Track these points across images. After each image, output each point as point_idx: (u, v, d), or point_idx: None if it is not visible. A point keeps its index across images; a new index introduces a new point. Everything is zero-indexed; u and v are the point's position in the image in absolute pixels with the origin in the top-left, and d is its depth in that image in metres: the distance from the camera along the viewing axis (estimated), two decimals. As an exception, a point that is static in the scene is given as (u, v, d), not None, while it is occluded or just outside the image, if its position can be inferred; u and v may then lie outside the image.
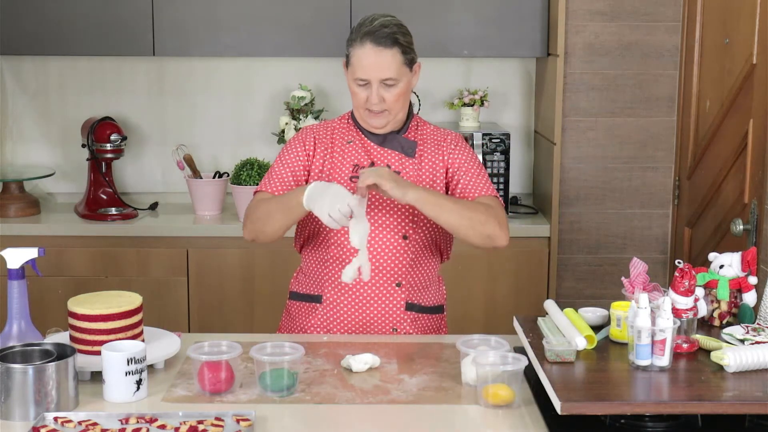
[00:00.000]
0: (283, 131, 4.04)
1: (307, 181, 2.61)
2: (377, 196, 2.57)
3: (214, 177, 4.09)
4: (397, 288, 2.61)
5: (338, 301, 2.61)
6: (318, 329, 2.63)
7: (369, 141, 2.63)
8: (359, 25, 2.57)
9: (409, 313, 2.63)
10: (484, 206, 2.52)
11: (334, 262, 2.60)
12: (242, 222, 2.66)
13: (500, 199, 2.62)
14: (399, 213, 2.58)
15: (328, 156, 2.62)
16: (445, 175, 2.63)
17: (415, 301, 2.64)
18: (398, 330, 2.61)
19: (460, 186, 2.61)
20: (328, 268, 2.62)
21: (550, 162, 3.89)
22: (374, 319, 2.61)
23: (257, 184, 3.86)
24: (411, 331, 2.63)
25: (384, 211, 2.58)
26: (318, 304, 2.64)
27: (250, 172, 3.91)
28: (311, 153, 2.63)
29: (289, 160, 2.63)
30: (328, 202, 2.37)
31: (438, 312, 2.72)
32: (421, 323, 2.66)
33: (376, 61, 2.51)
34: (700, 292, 2.30)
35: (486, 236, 2.49)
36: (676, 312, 2.21)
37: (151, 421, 2.01)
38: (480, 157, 3.86)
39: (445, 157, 2.64)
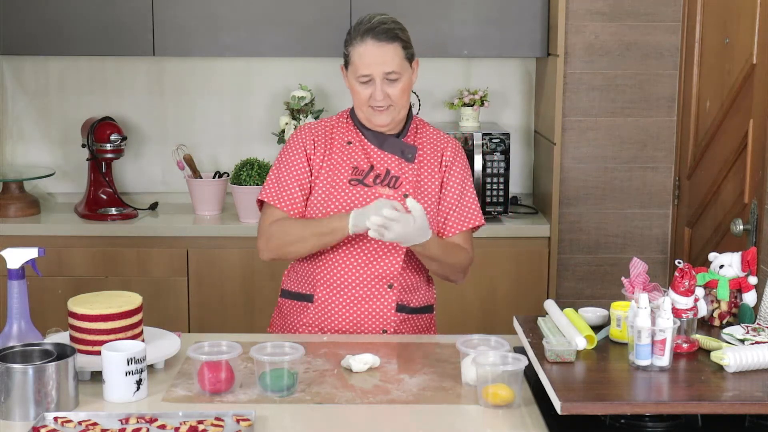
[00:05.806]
0: (283, 131, 4.04)
1: (311, 188, 2.61)
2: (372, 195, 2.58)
3: (214, 177, 4.09)
4: (388, 290, 2.61)
5: (330, 301, 2.61)
6: (309, 328, 2.64)
7: (368, 143, 2.63)
8: (357, 24, 2.57)
9: (399, 314, 2.63)
10: (464, 260, 2.64)
11: (326, 261, 2.60)
12: (259, 242, 2.61)
13: (480, 219, 2.68)
14: None
15: (327, 157, 2.62)
16: (440, 185, 2.64)
17: (405, 303, 2.64)
18: (388, 331, 2.62)
19: (447, 213, 2.64)
20: (320, 267, 2.61)
21: (550, 162, 3.89)
22: (365, 320, 2.61)
23: (257, 185, 3.87)
24: (400, 331, 2.64)
25: None
26: (309, 303, 2.64)
27: (250, 172, 3.91)
28: (311, 155, 2.62)
29: (292, 168, 2.62)
30: (374, 211, 2.39)
31: (427, 312, 2.72)
32: (411, 324, 2.66)
33: (379, 55, 2.51)
34: (700, 292, 2.30)
35: (445, 278, 2.68)
36: (676, 312, 2.21)
37: (151, 421, 2.01)
38: (480, 157, 3.86)
39: (443, 169, 2.65)
